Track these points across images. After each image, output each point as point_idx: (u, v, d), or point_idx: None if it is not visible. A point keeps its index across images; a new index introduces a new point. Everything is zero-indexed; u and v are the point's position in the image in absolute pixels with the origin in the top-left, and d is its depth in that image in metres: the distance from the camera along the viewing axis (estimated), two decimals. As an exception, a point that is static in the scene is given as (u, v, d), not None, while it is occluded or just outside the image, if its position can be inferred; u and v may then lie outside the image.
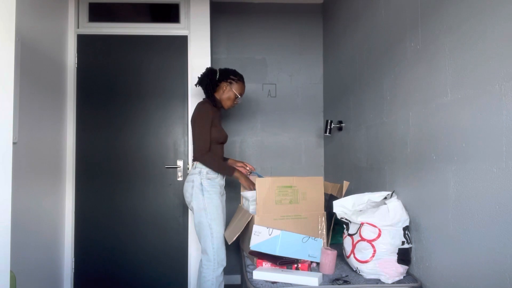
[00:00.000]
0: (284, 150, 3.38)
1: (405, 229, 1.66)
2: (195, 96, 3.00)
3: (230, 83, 2.40)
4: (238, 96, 2.42)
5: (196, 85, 2.45)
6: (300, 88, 3.42)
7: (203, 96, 3.00)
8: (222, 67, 3.34)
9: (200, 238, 2.25)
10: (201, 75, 2.43)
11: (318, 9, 3.45)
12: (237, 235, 2.00)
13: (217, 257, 2.20)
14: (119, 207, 2.98)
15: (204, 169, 2.26)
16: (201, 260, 2.30)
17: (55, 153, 2.74)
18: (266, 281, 1.65)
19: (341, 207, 1.81)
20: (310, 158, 3.40)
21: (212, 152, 2.27)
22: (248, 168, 2.50)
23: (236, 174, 2.28)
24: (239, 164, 2.51)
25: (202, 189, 2.23)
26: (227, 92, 2.39)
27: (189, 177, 2.32)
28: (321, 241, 1.81)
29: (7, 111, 1.38)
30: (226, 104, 2.41)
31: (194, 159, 2.29)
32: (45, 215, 2.58)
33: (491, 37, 1.21)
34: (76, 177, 2.97)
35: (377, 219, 1.65)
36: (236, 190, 3.11)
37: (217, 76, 2.40)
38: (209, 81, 2.38)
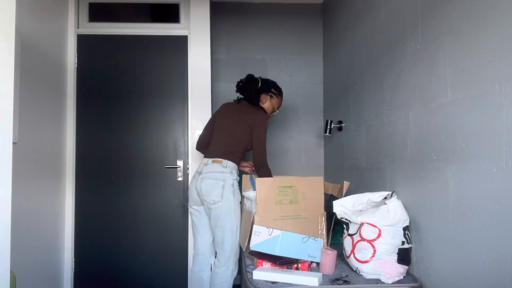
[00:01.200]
0: (284, 150, 3.38)
1: (405, 229, 1.66)
2: (195, 96, 3.00)
3: (271, 96, 2.39)
4: (275, 110, 2.40)
5: (236, 91, 2.42)
6: (300, 88, 3.42)
7: (205, 96, 3.00)
8: (223, 67, 3.35)
9: (223, 240, 2.14)
10: (242, 81, 2.38)
11: (318, 9, 3.45)
12: (247, 240, 1.99)
13: (236, 259, 2.20)
14: (119, 207, 2.98)
15: (235, 170, 2.23)
16: (213, 262, 2.26)
17: (55, 153, 2.73)
18: (266, 281, 1.65)
19: (341, 207, 1.81)
20: (310, 158, 3.40)
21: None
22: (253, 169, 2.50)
23: None
24: (244, 164, 2.50)
25: (233, 191, 2.16)
26: (266, 104, 2.37)
27: (217, 175, 2.16)
28: (321, 241, 1.81)
29: (7, 111, 1.38)
30: None
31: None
32: (45, 215, 2.58)
33: (491, 37, 1.21)
34: (76, 177, 2.97)
35: (377, 219, 1.65)
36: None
37: (259, 86, 2.36)
38: (252, 90, 2.34)
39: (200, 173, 2.24)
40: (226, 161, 2.19)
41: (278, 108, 2.42)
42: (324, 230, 1.98)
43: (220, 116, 2.39)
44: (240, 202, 2.25)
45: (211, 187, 2.14)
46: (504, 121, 1.14)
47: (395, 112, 1.88)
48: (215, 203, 2.13)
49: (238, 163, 2.26)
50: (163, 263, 2.97)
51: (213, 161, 2.22)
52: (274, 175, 2.81)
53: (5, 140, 1.39)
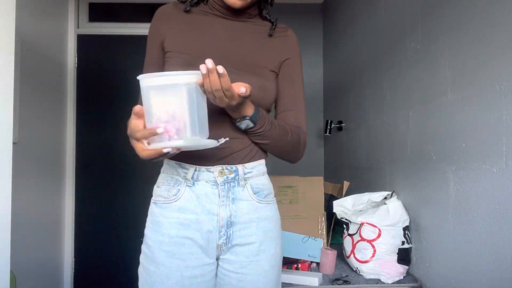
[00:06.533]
0: (284, 150, 3.38)
1: (405, 229, 1.66)
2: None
3: None
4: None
5: None
6: (300, 88, 3.41)
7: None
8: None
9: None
10: None
11: (318, 9, 3.45)
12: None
13: None
14: (120, 207, 2.98)
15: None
16: None
17: (55, 153, 2.73)
18: (266, 281, 1.65)
19: (341, 207, 1.81)
20: (310, 158, 3.40)
21: None
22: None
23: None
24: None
25: None
26: None
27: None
28: (321, 241, 1.81)
29: (7, 111, 1.39)
30: None
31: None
32: (45, 215, 2.58)
33: (491, 37, 1.21)
34: (76, 177, 2.97)
35: (377, 219, 1.65)
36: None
37: None
38: None
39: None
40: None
41: None
42: (324, 230, 1.98)
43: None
44: None
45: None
46: (504, 121, 1.14)
47: (395, 112, 1.88)
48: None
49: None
50: (163, 263, 2.97)
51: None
52: (274, 175, 2.78)
53: (5, 140, 1.39)
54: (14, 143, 1.66)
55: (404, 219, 1.66)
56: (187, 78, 0.82)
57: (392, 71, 1.91)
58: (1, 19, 1.32)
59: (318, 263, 1.82)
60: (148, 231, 1.09)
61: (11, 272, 1.52)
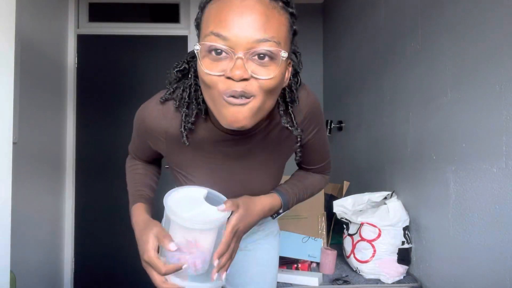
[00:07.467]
0: (284, 150, 3.38)
1: (405, 229, 1.66)
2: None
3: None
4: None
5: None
6: (300, 88, 3.41)
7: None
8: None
9: None
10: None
11: (318, 9, 3.45)
12: None
13: None
14: (120, 207, 2.98)
15: None
16: None
17: (55, 153, 2.73)
18: (266, 281, 1.65)
19: (341, 207, 1.81)
20: (310, 158, 3.39)
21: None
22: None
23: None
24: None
25: None
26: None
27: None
28: (321, 241, 1.81)
29: (7, 111, 1.39)
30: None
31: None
32: (45, 215, 2.58)
33: (491, 37, 1.21)
34: (76, 177, 2.97)
35: (377, 219, 1.65)
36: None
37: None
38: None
39: None
40: None
41: None
42: (324, 230, 1.98)
43: None
44: None
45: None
46: (504, 121, 1.14)
47: (395, 112, 1.88)
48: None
49: None
50: (163, 263, 2.97)
51: None
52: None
53: (5, 140, 1.39)
54: (14, 143, 1.66)
55: (404, 219, 1.66)
56: (222, 219, 0.77)
57: (392, 71, 1.91)
58: (1, 19, 1.32)
59: (318, 263, 1.82)
60: None
61: (11, 272, 1.52)
